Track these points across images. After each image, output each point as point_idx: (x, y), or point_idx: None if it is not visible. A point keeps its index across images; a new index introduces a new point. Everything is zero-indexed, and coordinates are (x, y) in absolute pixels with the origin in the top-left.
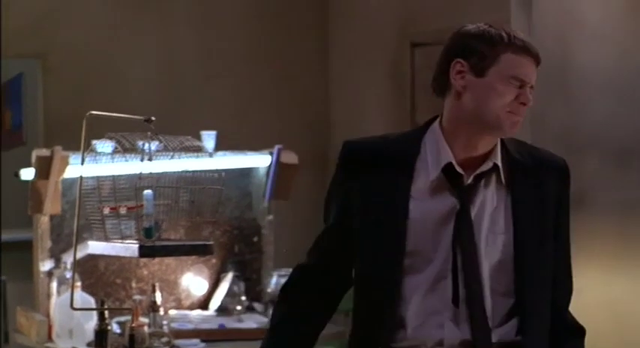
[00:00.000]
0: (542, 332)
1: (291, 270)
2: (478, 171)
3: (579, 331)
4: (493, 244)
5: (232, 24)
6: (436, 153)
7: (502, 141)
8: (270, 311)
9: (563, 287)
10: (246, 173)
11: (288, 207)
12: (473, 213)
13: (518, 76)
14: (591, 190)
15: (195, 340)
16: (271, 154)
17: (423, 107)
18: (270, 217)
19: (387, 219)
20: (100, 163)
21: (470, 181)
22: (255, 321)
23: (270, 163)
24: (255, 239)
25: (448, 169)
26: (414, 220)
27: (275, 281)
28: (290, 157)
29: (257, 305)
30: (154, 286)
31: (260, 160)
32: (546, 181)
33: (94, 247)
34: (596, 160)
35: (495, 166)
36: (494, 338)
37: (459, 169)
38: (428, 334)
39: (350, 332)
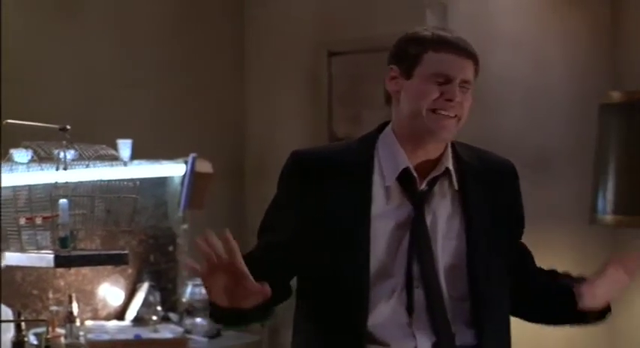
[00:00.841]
0: (500, 336)
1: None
2: (430, 176)
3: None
4: (448, 249)
5: (148, 32)
6: (392, 158)
7: (453, 145)
8: (186, 321)
9: (530, 257)
10: (162, 182)
11: (203, 216)
12: (428, 219)
13: (441, 72)
14: None
15: None
16: (186, 162)
17: (339, 116)
18: (185, 226)
19: (348, 229)
20: (16, 173)
21: (424, 186)
22: (170, 331)
23: (185, 172)
24: (171, 248)
25: (402, 174)
26: (374, 227)
27: (190, 291)
28: (205, 166)
29: (172, 315)
30: (70, 297)
31: (175, 169)
32: (497, 184)
33: (10, 258)
34: None
35: (447, 170)
36: (457, 343)
37: (415, 174)
38: (397, 344)
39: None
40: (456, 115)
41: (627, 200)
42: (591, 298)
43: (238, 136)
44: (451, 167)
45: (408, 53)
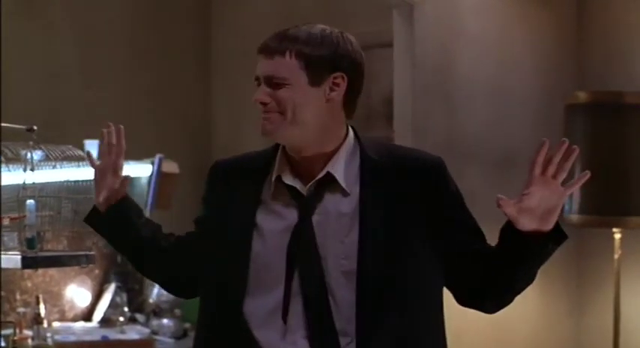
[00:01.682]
0: (392, 341)
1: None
2: (313, 181)
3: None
4: (339, 253)
5: (114, 33)
6: (277, 166)
7: (360, 145)
8: (153, 322)
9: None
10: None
11: (169, 216)
12: (317, 221)
13: (256, 76)
14: (472, 198)
15: None
16: (152, 163)
17: None
18: None
19: (235, 232)
20: None
21: (308, 191)
22: (137, 332)
23: (152, 173)
24: None
25: (281, 181)
26: (260, 234)
27: (157, 292)
28: (171, 167)
29: (139, 316)
30: (37, 298)
31: (141, 170)
32: (409, 181)
33: None
34: (477, 169)
35: (331, 175)
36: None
37: (288, 182)
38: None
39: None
40: (278, 112)
41: (593, 200)
42: (525, 212)
43: (205, 137)
44: (335, 170)
45: None
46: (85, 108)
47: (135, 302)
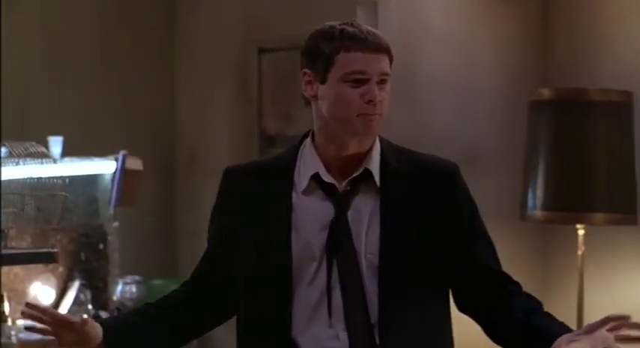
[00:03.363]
0: (408, 336)
1: (136, 277)
2: (350, 177)
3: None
4: (371, 246)
5: (78, 30)
6: (307, 163)
7: (381, 147)
8: None
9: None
10: (93, 179)
11: (134, 213)
12: (351, 217)
13: (354, 74)
14: None
15: None
16: (116, 160)
17: (269, 114)
18: (116, 223)
19: (272, 233)
20: None
21: (344, 187)
22: None
23: (116, 170)
24: (102, 246)
25: (319, 178)
26: (295, 233)
27: (120, 289)
28: (135, 164)
29: (103, 314)
30: (2, 296)
31: (106, 166)
32: (426, 187)
33: None
34: None
35: (368, 171)
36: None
37: (326, 179)
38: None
39: None
40: (380, 113)
41: (556, 196)
42: None
43: (169, 134)
44: (372, 167)
45: (320, 55)
46: (49, 105)
47: (99, 300)
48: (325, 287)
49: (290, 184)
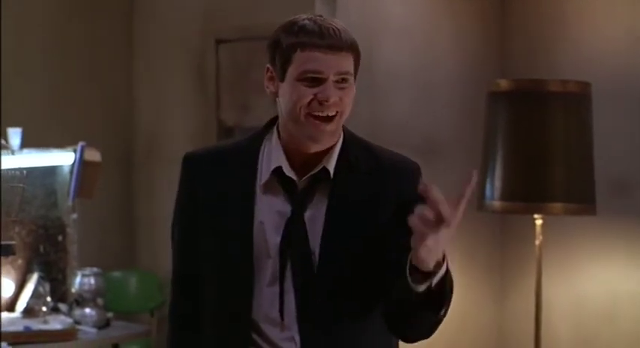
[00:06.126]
0: (352, 335)
1: (95, 269)
2: (308, 175)
3: None
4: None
5: (37, 20)
6: (271, 156)
7: (345, 143)
8: (75, 312)
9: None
10: (52, 171)
11: (92, 205)
12: (309, 216)
13: (308, 73)
14: None
15: (3, 344)
16: (75, 151)
17: (227, 104)
18: (75, 215)
19: (234, 229)
20: None
21: (304, 184)
22: (59, 322)
23: (74, 161)
24: (60, 238)
25: (281, 172)
26: (257, 227)
27: (79, 281)
28: (93, 155)
29: (62, 306)
30: None
31: (64, 158)
32: (385, 184)
33: None
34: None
35: (326, 169)
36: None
37: (288, 174)
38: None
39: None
40: (336, 113)
41: (514, 186)
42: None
43: (127, 125)
44: (330, 165)
45: (279, 52)
46: (8, 95)
47: (58, 292)
48: (278, 290)
49: (253, 174)
